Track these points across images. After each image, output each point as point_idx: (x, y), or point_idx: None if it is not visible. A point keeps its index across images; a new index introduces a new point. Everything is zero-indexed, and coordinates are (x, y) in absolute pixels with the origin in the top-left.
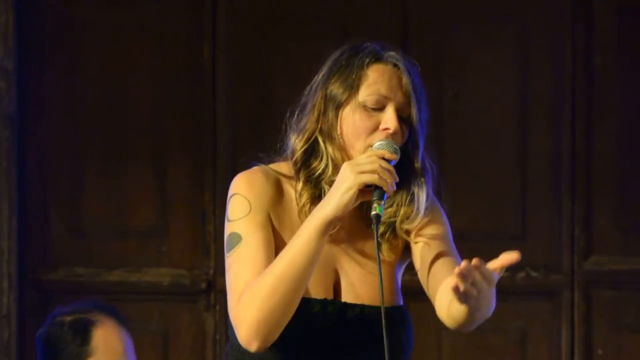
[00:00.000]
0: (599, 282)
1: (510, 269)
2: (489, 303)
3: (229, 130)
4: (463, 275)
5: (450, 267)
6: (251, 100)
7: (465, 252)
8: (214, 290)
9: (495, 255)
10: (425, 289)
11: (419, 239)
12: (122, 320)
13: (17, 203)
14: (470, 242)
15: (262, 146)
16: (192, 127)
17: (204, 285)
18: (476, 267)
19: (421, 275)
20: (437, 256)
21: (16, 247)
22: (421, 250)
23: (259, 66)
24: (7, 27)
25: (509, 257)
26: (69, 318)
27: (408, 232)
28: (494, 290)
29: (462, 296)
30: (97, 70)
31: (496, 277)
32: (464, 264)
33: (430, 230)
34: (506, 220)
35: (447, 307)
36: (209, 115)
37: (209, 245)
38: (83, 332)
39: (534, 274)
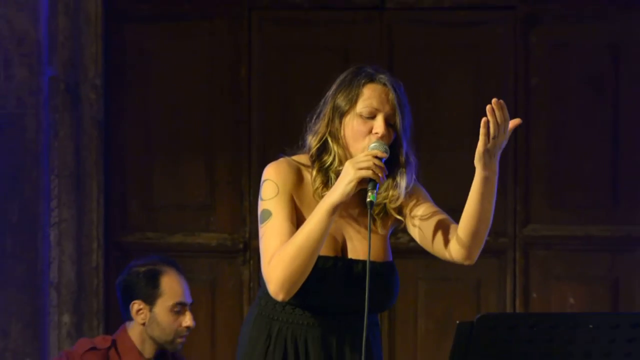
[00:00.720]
0: (534, 244)
1: None
2: (490, 211)
3: (260, 131)
4: (492, 110)
5: (446, 222)
6: (276, 109)
7: None
8: (249, 249)
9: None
10: (431, 248)
11: (415, 220)
12: (181, 270)
13: (104, 185)
14: None
15: (284, 143)
16: (233, 128)
17: (241, 246)
18: (503, 105)
19: (425, 242)
20: (435, 222)
21: (103, 217)
22: (419, 227)
23: (281, 83)
24: (97, 54)
25: (516, 121)
26: (142, 269)
27: (400, 211)
28: (494, 201)
29: (486, 139)
30: (162, 85)
31: (508, 135)
32: (494, 100)
33: (422, 209)
34: (464, 199)
35: (460, 230)
36: (245, 120)
37: (245, 216)
38: (153, 279)
39: (486, 237)
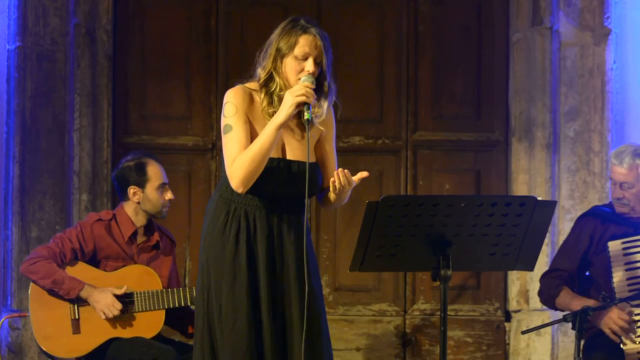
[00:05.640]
0: (420, 146)
1: (374, 137)
2: (347, 196)
3: (223, 63)
4: (338, 175)
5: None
6: (236, 47)
7: (354, 130)
8: (215, 148)
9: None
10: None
11: (321, 149)
12: (158, 159)
13: (112, 101)
14: (354, 123)
15: (241, 71)
16: (205, 61)
17: (210, 146)
18: (345, 173)
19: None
20: (327, 169)
21: (111, 124)
22: (320, 159)
23: (239, 29)
24: (108, 7)
25: (362, 174)
26: (131, 163)
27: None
28: (350, 191)
29: (334, 188)
30: (155, 29)
31: (354, 184)
32: (340, 169)
33: (328, 144)
34: (373, 113)
35: (325, 196)
36: (214, 55)
37: (213, 125)
38: (142, 169)
39: (387, 141)
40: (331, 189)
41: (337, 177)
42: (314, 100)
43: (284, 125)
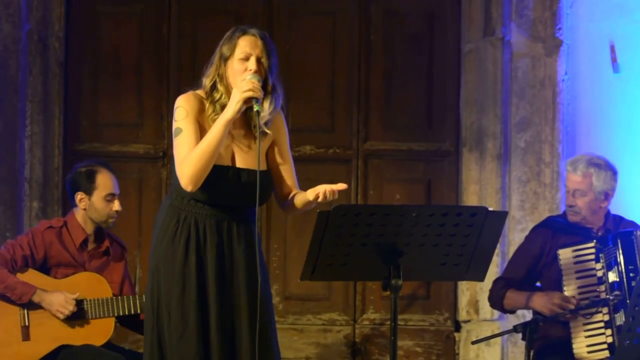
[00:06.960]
0: (372, 156)
1: (325, 146)
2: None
3: (175, 71)
4: (331, 192)
5: (289, 181)
6: (187, 56)
7: (305, 140)
8: (166, 156)
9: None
10: (275, 187)
11: (274, 154)
12: (112, 169)
13: (63, 108)
14: (305, 132)
15: (193, 79)
16: (156, 69)
17: (161, 154)
18: (335, 192)
19: (274, 179)
20: (284, 176)
21: (62, 132)
22: (275, 166)
23: (191, 37)
24: (61, 14)
25: (342, 185)
26: (83, 169)
27: (267, 124)
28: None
29: (315, 200)
30: (107, 37)
31: (336, 195)
32: (328, 191)
33: (282, 148)
34: (324, 122)
35: (291, 202)
36: (165, 63)
37: (164, 133)
38: (91, 177)
39: (338, 150)
40: (312, 198)
41: (330, 193)
42: (261, 95)
43: (231, 122)
